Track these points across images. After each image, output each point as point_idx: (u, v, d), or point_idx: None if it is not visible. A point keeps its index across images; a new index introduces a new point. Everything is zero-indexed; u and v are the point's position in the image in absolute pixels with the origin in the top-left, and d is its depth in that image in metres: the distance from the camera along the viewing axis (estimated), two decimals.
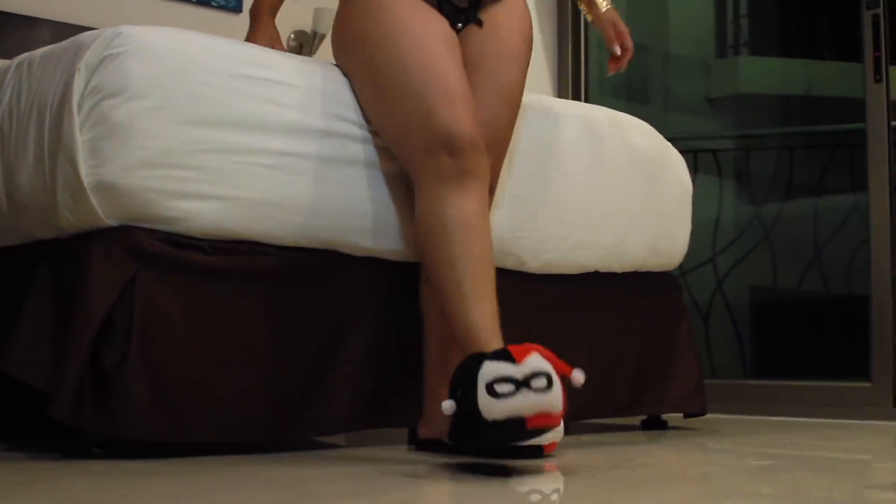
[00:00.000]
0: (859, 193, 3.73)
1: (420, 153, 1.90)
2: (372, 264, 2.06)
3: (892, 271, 3.31)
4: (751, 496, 1.54)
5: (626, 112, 2.69)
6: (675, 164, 2.71)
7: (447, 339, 1.99)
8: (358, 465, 1.84)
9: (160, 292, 1.79)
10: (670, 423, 2.71)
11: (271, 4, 2.27)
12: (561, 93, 4.20)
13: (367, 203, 2.01)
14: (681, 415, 2.71)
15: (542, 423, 1.55)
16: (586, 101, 4.18)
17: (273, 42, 2.22)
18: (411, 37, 1.96)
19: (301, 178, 1.93)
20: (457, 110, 1.89)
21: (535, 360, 1.57)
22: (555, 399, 1.56)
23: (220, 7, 3.54)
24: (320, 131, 1.97)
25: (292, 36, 3.64)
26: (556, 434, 1.58)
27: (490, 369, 1.56)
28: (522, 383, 1.54)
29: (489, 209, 1.95)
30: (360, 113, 2.02)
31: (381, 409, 2.04)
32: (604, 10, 2.45)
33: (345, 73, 2.07)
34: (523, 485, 1.57)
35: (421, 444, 2.01)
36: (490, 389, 1.54)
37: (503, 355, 1.58)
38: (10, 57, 2.27)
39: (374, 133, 2.03)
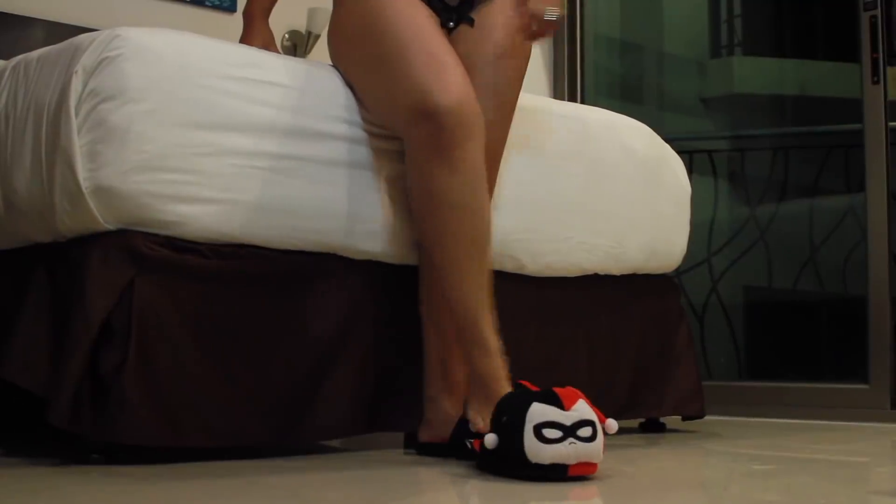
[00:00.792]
0: (855, 194, 3.74)
1: (405, 123, 1.90)
2: (370, 267, 2.05)
3: (890, 273, 3.31)
4: None
5: (620, 112, 2.68)
6: (673, 167, 2.70)
7: (447, 343, 1.98)
8: (359, 470, 1.83)
9: (158, 296, 1.78)
10: (669, 426, 2.71)
11: (264, 6, 2.27)
12: (556, 93, 4.19)
13: (366, 206, 2.00)
14: (679, 417, 2.71)
15: (584, 471, 1.60)
16: (582, 101, 4.18)
17: (268, 44, 2.22)
18: (405, 17, 1.95)
19: (299, 180, 1.92)
20: (441, 73, 1.87)
21: (583, 408, 1.61)
22: (597, 449, 1.61)
23: (214, 7, 3.53)
24: (318, 134, 1.96)
25: (286, 36, 3.63)
26: None
27: (538, 412, 1.58)
28: (570, 430, 1.57)
29: (486, 182, 1.92)
30: (357, 114, 2.01)
31: (380, 413, 2.03)
32: None
33: (342, 74, 2.06)
34: (524, 491, 1.56)
35: (421, 449, 2.01)
36: (538, 433, 1.57)
37: (551, 398, 1.60)
38: (3, 56, 2.25)
39: (372, 134, 2.02)
